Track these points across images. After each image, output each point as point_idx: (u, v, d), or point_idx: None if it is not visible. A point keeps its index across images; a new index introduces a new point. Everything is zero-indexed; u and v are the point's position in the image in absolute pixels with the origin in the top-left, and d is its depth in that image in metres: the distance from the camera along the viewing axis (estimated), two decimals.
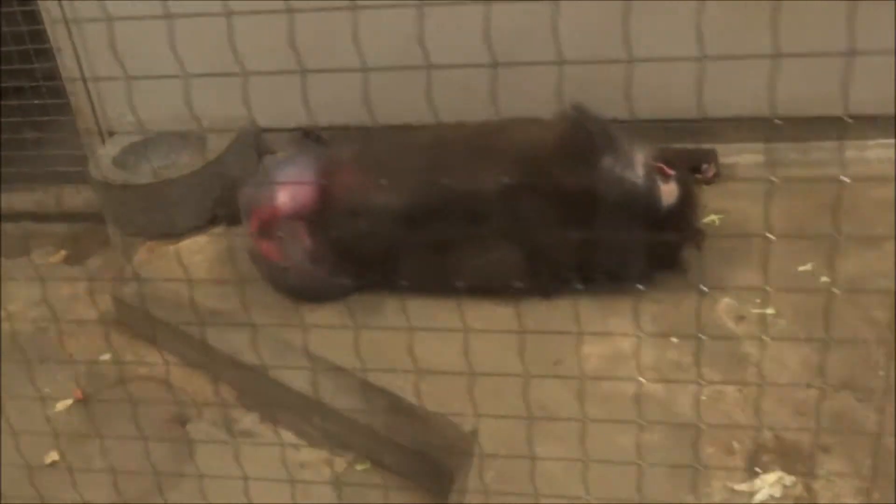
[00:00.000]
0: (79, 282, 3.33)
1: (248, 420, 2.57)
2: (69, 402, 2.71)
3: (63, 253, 3.58)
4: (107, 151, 3.35)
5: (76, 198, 3.59)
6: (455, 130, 2.50)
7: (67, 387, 2.74)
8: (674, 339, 2.28)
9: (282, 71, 1.44)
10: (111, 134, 3.53)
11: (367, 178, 2.52)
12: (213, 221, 3.09)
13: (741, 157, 3.02)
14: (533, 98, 2.15)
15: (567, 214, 2.35)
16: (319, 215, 2.51)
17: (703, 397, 2.09)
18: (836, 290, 1.30)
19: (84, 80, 3.46)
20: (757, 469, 1.92)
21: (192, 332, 2.68)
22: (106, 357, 2.88)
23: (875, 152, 2.94)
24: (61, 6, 3.34)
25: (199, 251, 3.00)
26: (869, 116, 2.88)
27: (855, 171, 2.80)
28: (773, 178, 1.29)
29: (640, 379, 1.97)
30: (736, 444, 1.96)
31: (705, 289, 2.03)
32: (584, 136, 2.43)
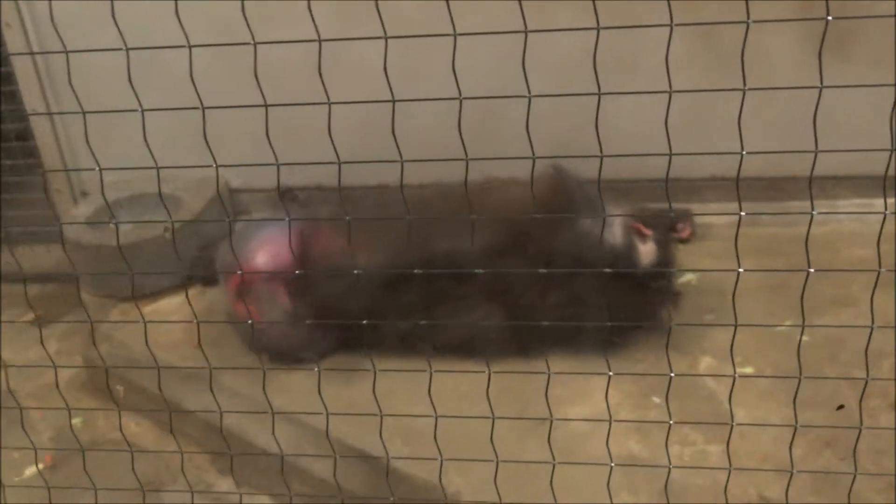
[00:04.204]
0: (49, 343, 3.27)
1: (223, 485, 2.52)
2: (39, 466, 2.64)
3: (33, 314, 3.52)
4: (80, 211, 3.32)
5: (47, 258, 3.55)
6: (433, 191, 2.50)
7: (37, 451, 2.67)
8: (655, 399, 2.27)
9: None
10: (84, 194, 3.51)
11: (346, 239, 2.51)
12: (188, 282, 3.06)
13: (715, 216, 3.06)
14: (511, 161, 2.18)
15: (546, 274, 2.35)
16: (297, 276, 2.49)
17: (687, 458, 2.08)
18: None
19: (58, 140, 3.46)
20: None
21: (165, 395, 2.63)
22: (77, 421, 2.82)
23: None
24: (36, 68, 3.34)
25: (173, 312, 2.97)
26: (841, 177, 2.94)
27: (827, 230, 2.84)
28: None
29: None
30: None
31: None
32: (562, 197, 2.45)
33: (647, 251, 2.45)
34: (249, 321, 2.57)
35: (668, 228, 2.84)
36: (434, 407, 1.66)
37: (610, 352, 2.40)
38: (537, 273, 2.37)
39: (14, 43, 3.30)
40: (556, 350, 2.36)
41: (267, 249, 2.52)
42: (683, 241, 2.94)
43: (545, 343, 2.40)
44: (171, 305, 3.02)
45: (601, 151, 1.34)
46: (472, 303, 2.45)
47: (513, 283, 2.40)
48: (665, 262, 2.49)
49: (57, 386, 2.15)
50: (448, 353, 2.47)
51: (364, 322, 1.94)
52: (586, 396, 2.30)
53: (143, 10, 2.61)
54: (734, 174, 3.03)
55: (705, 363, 2.39)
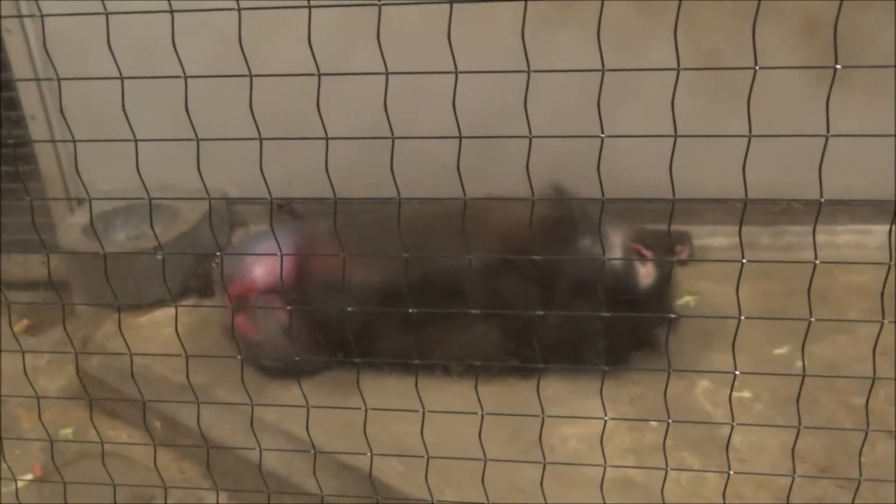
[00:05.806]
0: (41, 353, 3.25)
1: (215, 500, 2.49)
2: (28, 478, 2.62)
3: (25, 322, 3.50)
4: (76, 220, 3.30)
5: (41, 266, 3.53)
6: (433, 208, 2.49)
7: (26, 462, 2.65)
8: (652, 423, 2.26)
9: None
10: (81, 202, 3.49)
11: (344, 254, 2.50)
12: (183, 294, 3.04)
13: (714, 239, 3.06)
14: (511, 177, 2.18)
15: (545, 294, 2.34)
16: (294, 290, 2.48)
17: (683, 482, 2.06)
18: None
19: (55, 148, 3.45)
20: None
21: (158, 408, 2.62)
22: (68, 432, 2.79)
23: (844, 238, 2.99)
24: (36, 74, 3.33)
25: (168, 324, 2.95)
26: (839, 202, 2.94)
27: (825, 255, 2.83)
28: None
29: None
30: None
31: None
32: (562, 217, 2.44)
33: (646, 273, 2.44)
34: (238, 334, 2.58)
35: (668, 250, 2.84)
36: (484, 450, 1.66)
37: (607, 372, 2.39)
38: (535, 291, 2.36)
39: (14, 47, 3.30)
40: (554, 370, 2.35)
41: (264, 263, 2.51)
42: (682, 263, 2.93)
43: (544, 362, 2.39)
44: (166, 316, 3.00)
45: (673, 195, 1.32)
46: (468, 321, 2.43)
47: (511, 302, 2.38)
48: (664, 284, 2.48)
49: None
50: (444, 371, 2.46)
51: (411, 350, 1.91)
52: (582, 417, 2.28)
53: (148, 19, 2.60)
54: (732, 197, 3.04)
55: (702, 386, 2.38)
